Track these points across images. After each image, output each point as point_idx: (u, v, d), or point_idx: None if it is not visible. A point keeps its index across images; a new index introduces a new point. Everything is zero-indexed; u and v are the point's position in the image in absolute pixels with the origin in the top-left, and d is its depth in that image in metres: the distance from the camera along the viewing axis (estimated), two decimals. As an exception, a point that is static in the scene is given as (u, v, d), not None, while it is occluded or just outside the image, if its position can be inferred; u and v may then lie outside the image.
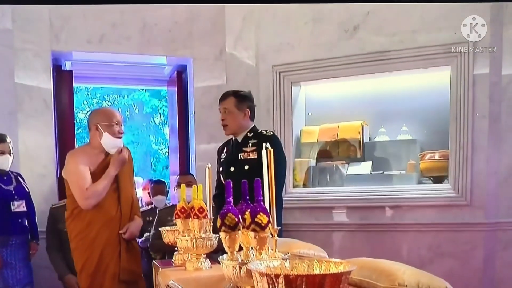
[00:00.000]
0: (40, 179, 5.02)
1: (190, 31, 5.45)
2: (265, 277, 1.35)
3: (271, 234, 1.90)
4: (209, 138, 5.37)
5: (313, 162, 5.49)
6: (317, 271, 1.47)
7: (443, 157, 4.86)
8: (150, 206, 5.37)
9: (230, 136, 4.26)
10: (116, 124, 3.77)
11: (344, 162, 5.34)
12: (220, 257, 2.05)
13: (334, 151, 5.47)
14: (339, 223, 5.10)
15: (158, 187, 5.43)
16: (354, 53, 4.95)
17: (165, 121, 16.26)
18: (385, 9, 4.85)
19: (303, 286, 1.29)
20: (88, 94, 17.03)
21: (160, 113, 17.28)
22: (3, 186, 4.37)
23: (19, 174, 4.58)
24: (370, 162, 5.24)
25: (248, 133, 4.15)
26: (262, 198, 1.90)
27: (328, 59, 5.05)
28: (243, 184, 2.04)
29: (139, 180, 7.36)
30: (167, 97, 7.68)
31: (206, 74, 5.51)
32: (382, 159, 5.24)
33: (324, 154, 5.50)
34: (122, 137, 3.84)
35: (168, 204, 5.03)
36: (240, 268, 1.91)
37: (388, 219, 4.92)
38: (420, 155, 5.05)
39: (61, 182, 4.43)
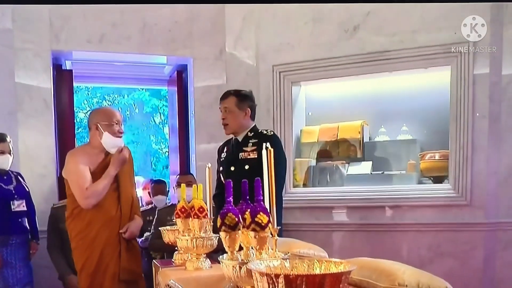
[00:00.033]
0: (40, 179, 5.02)
1: (190, 31, 5.45)
2: (265, 276, 1.35)
3: (271, 234, 1.90)
4: (209, 137, 5.37)
5: (313, 162, 5.49)
6: (317, 271, 1.47)
7: (443, 157, 4.87)
8: (150, 206, 5.37)
9: (231, 136, 4.26)
10: (116, 123, 3.77)
11: (344, 162, 5.34)
12: (220, 256, 2.05)
13: (334, 151, 5.47)
14: (339, 223, 5.10)
15: (158, 187, 5.43)
16: (354, 53, 4.95)
17: (165, 121, 16.26)
18: (385, 9, 4.85)
19: (303, 286, 1.29)
20: (88, 94, 17.03)
21: (160, 113, 17.28)
22: (3, 185, 4.37)
23: (19, 174, 4.58)
24: (370, 162, 5.24)
25: (249, 133, 4.15)
26: (262, 198, 1.90)
27: (328, 59, 5.05)
28: (243, 183, 2.04)
29: (139, 179, 7.35)
30: (167, 97, 7.69)
31: (206, 74, 5.51)
32: (382, 159, 5.24)
33: (324, 154, 5.50)
34: (122, 136, 3.84)
35: (167, 204, 5.02)
36: (240, 267, 1.91)
37: (388, 219, 4.92)
38: (420, 155, 5.05)
39: (61, 182, 4.43)
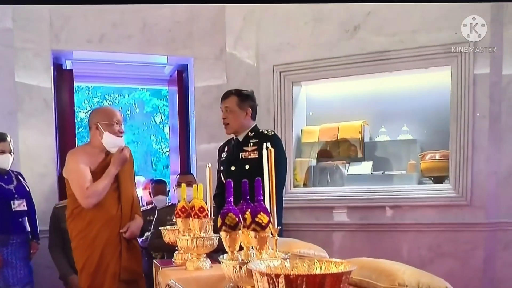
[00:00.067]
0: (40, 179, 5.02)
1: (190, 30, 5.46)
2: (266, 276, 1.35)
3: (272, 234, 1.90)
4: (209, 137, 5.38)
5: (313, 162, 5.50)
6: (317, 271, 1.47)
7: (443, 157, 4.87)
8: (150, 206, 5.37)
9: (231, 136, 4.26)
10: (117, 123, 3.77)
11: (345, 162, 5.34)
12: (221, 256, 2.05)
13: (334, 151, 5.47)
14: (339, 223, 5.10)
15: (159, 187, 5.43)
16: (354, 53, 4.95)
17: (166, 121, 16.28)
18: (386, 9, 4.85)
19: (304, 286, 1.29)
20: (88, 93, 17.04)
21: (160, 113, 17.29)
22: (3, 185, 4.37)
23: (19, 174, 4.58)
24: (371, 162, 5.24)
25: (249, 133, 4.15)
26: (262, 198, 1.90)
27: (328, 59, 5.05)
28: (243, 183, 2.04)
29: (140, 179, 7.36)
30: (167, 97, 7.68)
31: (206, 73, 5.52)
32: (382, 159, 5.24)
33: (325, 154, 5.50)
34: (122, 136, 3.84)
35: (168, 204, 5.02)
36: (240, 267, 1.91)
37: (389, 219, 4.92)
38: (420, 155, 5.05)
39: (61, 182, 4.44)
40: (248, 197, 2.04)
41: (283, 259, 1.66)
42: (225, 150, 4.31)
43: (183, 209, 2.83)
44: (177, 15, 5.42)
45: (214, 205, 3.00)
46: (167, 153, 15.55)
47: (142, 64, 6.10)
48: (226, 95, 4.20)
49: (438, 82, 4.93)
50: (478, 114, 4.58)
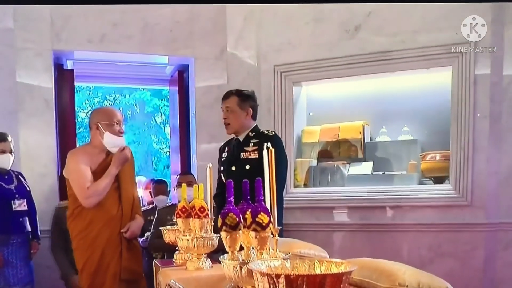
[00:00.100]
0: (41, 178, 5.02)
1: (191, 30, 5.46)
2: (266, 277, 1.35)
3: (272, 234, 1.90)
4: (210, 137, 5.38)
5: (314, 162, 5.49)
6: (318, 271, 1.48)
7: (444, 157, 4.86)
8: (151, 206, 5.37)
9: (232, 136, 4.26)
10: (117, 123, 3.78)
11: (345, 162, 5.34)
12: (221, 256, 2.05)
13: (335, 151, 5.47)
14: (340, 223, 5.10)
15: (159, 187, 5.43)
16: (355, 53, 4.95)
17: (166, 121, 16.27)
18: (386, 9, 4.85)
19: (304, 286, 1.29)
20: (89, 93, 17.03)
21: (161, 113, 17.28)
22: (4, 185, 4.37)
23: (20, 173, 4.58)
24: (371, 162, 5.24)
25: (250, 133, 4.15)
26: (263, 198, 1.90)
27: (329, 59, 5.05)
28: (244, 183, 2.04)
29: (141, 179, 7.35)
30: (168, 97, 7.68)
31: (207, 73, 5.52)
32: (383, 159, 5.24)
33: (325, 154, 5.50)
34: (123, 136, 3.85)
35: (168, 204, 5.03)
36: (241, 267, 1.91)
37: (389, 219, 4.92)
38: (421, 155, 5.05)
39: (62, 182, 4.44)
40: (248, 197, 2.04)
41: (283, 259, 1.66)
42: (225, 150, 4.31)
43: (183, 209, 2.83)
44: (177, 15, 5.43)
45: (214, 205, 3.00)
46: (168, 153, 15.54)
47: (142, 64, 6.10)
48: (227, 95, 4.21)
49: (439, 83, 4.93)
50: (478, 115, 4.58)
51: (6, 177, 4.42)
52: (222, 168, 4.28)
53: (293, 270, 1.50)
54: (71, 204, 3.77)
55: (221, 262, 2.01)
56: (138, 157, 15.81)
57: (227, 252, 2.07)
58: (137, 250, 3.94)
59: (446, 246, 4.73)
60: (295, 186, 5.34)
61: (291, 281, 1.31)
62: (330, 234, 5.08)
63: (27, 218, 4.45)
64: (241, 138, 4.17)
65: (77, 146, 5.35)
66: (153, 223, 4.54)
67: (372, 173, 5.18)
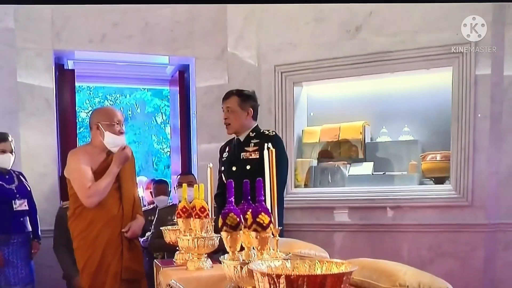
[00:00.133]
0: (41, 178, 5.03)
1: (191, 30, 5.46)
2: (267, 277, 1.36)
3: (273, 234, 1.90)
4: (210, 137, 5.38)
5: (314, 162, 5.49)
6: (318, 272, 1.48)
7: (444, 157, 4.86)
8: (152, 206, 5.37)
9: (232, 136, 4.26)
10: (117, 123, 3.78)
11: (346, 162, 5.34)
12: (222, 256, 2.05)
13: (335, 152, 5.47)
14: (340, 224, 5.10)
15: (160, 187, 5.42)
16: (356, 54, 4.95)
17: (167, 121, 16.27)
18: (387, 9, 4.85)
19: (305, 287, 1.30)
20: (90, 93, 17.03)
21: (162, 113, 17.28)
22: (5, 185, 4.37)
23: (20, 173, 4.58)
24: (372, 163, 5.24)
25: (251, 133, 4.15)
26: (263, 198, 1.90)
27: (329, 59, 5.05)
28: (244, 184, 2.04)
29: (142, 179, 7.35)
30: (169, 97, 7.69)
31: (207, 73, 5.52)
32: (383, 160, 5.24)
33: (326, 154, 5.50)
34: (123, 135, 3.85)
35: (169, 204, 5.03)
36: (241, 268, 1.91)
37: (389, 220, 4.92)
38: (421, 155, 5.05)
39: (62, 181, 4.44)
40: (249, 197, 2.05)
41: (284, 259, 1.66)
42: (226, 150, 4.31)
43: (184, 209, 2.83)
44: (178, 15, 5.43)
45: (215, 205, 3.00)
46: (168, 153, 15.54)
47: (143, 64, 6.11)
48: (228, 95, 4.21)
49: (439, 83, 4.93)
50: (479, 115, 4.58)
51: (7, 177, 4.42)
52: (222, 168, 4.28)
53: (293, 271, 1.50)
54: (72, 204, 3.77)
55: (222, 262, 2.01)
56: (139, 157, 15.81)
57: (227, 252, 2.07)
58: (138, 250, 3.94)
59: (446, 247, 4.73)
60: (296, 186, 5.34)
61: (291, 281, 1.31)
62: (331, 234, 5.08)
63: (27, 218, 4.46)
64: (241, 138, 4.17)
65: (77, 146, 5.35)
66: (153, 223, 4.54)
67: (372, 174, 5.18)
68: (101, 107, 12.01)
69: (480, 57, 4.54)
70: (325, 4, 5.08)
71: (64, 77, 5.49)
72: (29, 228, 4.47)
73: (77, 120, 6.21)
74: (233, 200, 2.07)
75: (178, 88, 5.95)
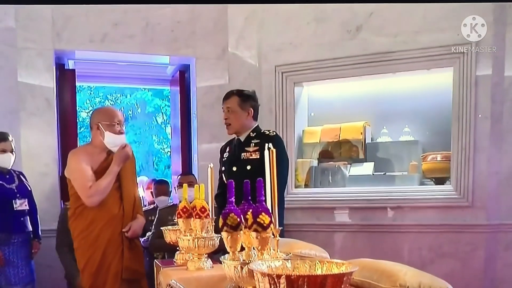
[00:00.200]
0: (42, 178, 5.03)
1: (192, 30, 5.46)
2: (267, 277, 1.36)
3: (273, 234, 1.90)
4: (211, 137, 5.38)
5: (315, 163, 5.50)
6: (318, 272, 1.48)
7: (445, 158, 4.86)
8: (152, 206, 5.37)
9: (233, 136, 4.26)
10: (117, 123, 3.78)
11: (346, 162, 5.34)
12: (222, 257, 2.05)
13: (336, 152, 5.47)
14: (340, 224, 5.10)
15: (161, 187, 5.42)
16: (356, 54, 4.95)
17: (168, 121, 16.28)
18: (388, 9, 4.85)
19: (305, 287, 1.30)
20: (90, 93, 17.04)
21: (162, 113, 17.29)
22: (5, 184, 4.37)
23: (21, 173, 4.58)
24: (372, 163, 5.24)
25: (251, 133, 4.14)
26: (264, 198, 1.90)
27: (330, 59, 5.05)
28: (245, 184, 2.04)
29: (143, 179, 7.35)
30: (169, 97, 7.69)
31: (208, 73, 5.52)
32: (384, 160, 5.24)
33: (326, 154, 5.50)
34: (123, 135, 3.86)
35: (169, 204, 5.02)
36: (241, 268, 1.91)
37: (390, 220, 4.92)
38: (422, 156, 5.05)
39: (63, 181, 4.44)
40: (249, 198, 2.05)
41: (284, 259, 1.66)
42: (227, 150, 4.30)
43: (184, 209, 2.83)
44: (179, 15, 5.43)
45: (215, 205, 3.00)
46: (169, 153, 15.55)
47: (144, 64, 6.11)
48: (228, 96, 4.20)
49: (440, 83, 4.93)
50: (479, 115, 4.58)
51: (7, 176, 4.42)
52: (223, 168, 4.27)
53: (294, 271, 1.50)
54: (72, 204, 3.77)
55: (222, 262, 2.01)
56: (139, 157, 15.82)
57: (228, 252, 2.07)
58: (139, 249, 3.93)
59: (446, 247, 4.73)
60: (296, 187, 5.34)
61: (292, 281, 1.31)
62: (331, 235, 5.08)
63: (28, 218, 4.46)
64: (242, 138, 4.17)
65: (78, 146, 5.35)
66: (154, 223, 4.54)
67: (373, 174, 5.19)
68: (101, 107, 12.01)
69: (481, 58, 4.54)
70: (326, 4, 5.08)
71: (65, 77, 5.49)
72: (30, 227, 4.47)
73: (77, 120, 6.22)
74: (234, 200, 2.07)
75: (178, 88, 5.95)
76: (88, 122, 4.08)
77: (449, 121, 4.75)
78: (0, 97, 4.89)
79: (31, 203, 4.50)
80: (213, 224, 2.71)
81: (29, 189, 4.54)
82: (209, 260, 2.77)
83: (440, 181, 4.95)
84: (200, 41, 5.47)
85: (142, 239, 4.44)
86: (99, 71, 6.45)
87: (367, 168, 5.25)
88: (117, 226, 3.74)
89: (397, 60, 4.83)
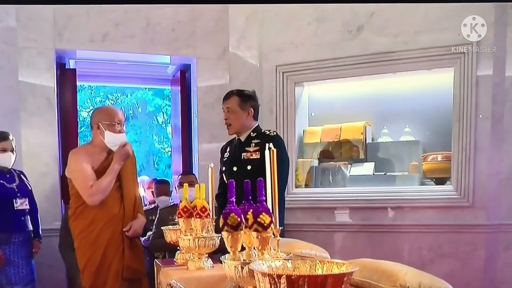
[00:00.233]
0: (42, 177, 5.03)
1: (193, 30, 5.46)
2: (267, 277, 1.36)
3: (274, 234, 1.90)
4: (211, 137, 5.38)
5: (315, 163, 5.50)
6: (319, 272, 1.48)
7: (445, 158, 4.86)
8: (153, 205, 5.37)
9: (234, 136, 4.25)
10: (118, 123, 3.78)
11: (347, 162, 5.34)
12: (223, 256, 2.05)
13: (336, 152, 5.47)
14: (341, 224, 5.10)
15: (162, 187, 5.43)
16: (357, 54, 4.95)
17: (168, 120, 16.26)
18: (389, 9, 4.85)
19: (305, 287, 1.30)
20: (91, 93, 17.03)
21: (163, 112, 17.28)
22: (6, 184, 4.37)
23: (21, 172, 4.58)
24: (373, 163, 5.24)
25: (252, 133, 4.14)
26: (264, 198, 1.90)
27: (331, 59, 5.05)
28: (245, 184, 2.04)
29: (144, 178, 7.36)
30: (170, 96, 7.68)
31: (209, 73, 5.52)
32: (384, 160, 5.24)
33: (327, 154, 5.50)
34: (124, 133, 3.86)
35: (170, 204, 5.02)
36: (242, 268, 1.91)
37: (390, 220, 4.92)
38: (422, 156, 5.05)
39: (63, 181, 4.44)
40: (250, 198, 2.05)
41: (285, 259, 1.66)
42: (227, 150, 4.30)
43: (185, 209, 2.83)
44: (179, 14, 5.43)
45: (216, 205, 3.00)
46: (169, 152, 15.54)
47: (144, 63, 6.11)
48: (228, 96, 4.19)
49: (441, 83, 4.93)
50: (480, 116, 4.58)
51: (8, 176, 4.42)
52: (223, 168, 4.27)
53: (294, 271, 1.50)
54: (73, 203, 3.77)
55: (223, 262, 2.00)
56: (140, 156, 15.81)
57: (228, 252, 2.07)
58: (139, 249, 3.93)
59: (447, 247, 4.73)
60: (297, 187, 5.34)
61: (292, 281, 1.31)
62: (331, 235, 5.08)
63: (28, 217, 4.45)
64: (242, 138, 4.16)
65: (79, 145, 5.35)
66: (155, 223, 4.54)
67: (373, 174, 5.19)
68: (102, 107, 11.94)
69: (481, 58, 4.54)
70: (327, 4, 5.08)
71: (66, 76, 5.49)
72: (30, 227, 4.47)
73: (78, 119, 6.21)
74: (234, 200, 2.07)
75: (179, 88, 5.96)
76: (89, 122, 4.08)
77: (450, 121, 4.75)
78: (1, 97, 4.89)
79: (32, 202, 4.50)
80: (214, 224, 2.71)
81: (30, 188, 4.54)
82: (210, 260, 2.77)
83: (440, 181, 4.95)
84: (200, 41, 5.47)
85: (142, 239, 4.44)
86: (99, 70, 6.45)
87: (367, 168, 5.25)
88: (117, 226, 3.74)
89: (398, 60, 4.83)
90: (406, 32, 4.79)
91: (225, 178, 4.19)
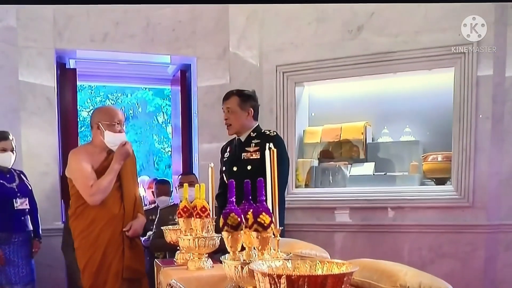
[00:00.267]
0: (42, 177, 5.03)
1: (193, 30, 5.46)
2: (267, 277, 1.35)
3: (274, 234, 1.90)
4: (212, 137, 5.38)
5: (315, 163, 5.50)
6: (319, 272, 1.48)
7: (446, 158, 4.86)
8: (153, 205, 5.37)
9: (234, 136, 4.25)
10: (118, 123, 3.78)
11: (347, 162, 5.34)
12: (223, 256, 2.04)
13: (337, 152, 5.47)
14: (341, 224, 5.10)
15: (162, 187, 5.43)
16: (357, 54, 4.95)
17: (168, 120, 16.27)
18: (389, 9, 4.85)
19: (305, 287, 1.29)
20: (91, 92, 17.03)
21: (163, 112, 17.28)
22: (6, 183, 4.37)
23: (22, 172, 4.58)
24: (373, 163, 5.24)
25: (252, 133, 4.14)
26: (265, 198, 1.90)
27: (331, 59, 5.05)
28: (245, 184, 2.04)
29: (144, 178, 7.36)
30: (170, 96, 7.68)
31: (209, 73, 5.52)
32: (385, 160, 5.24)
33: (327, 154, 5.50)
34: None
35: (170, 204, 5.02)
36: (242, 268, 1.90)
37: (390, 220, 4.92)
38: (422, 156, 5.05)
39: (63, 181, 4.44)
40: (250, 198, 2.04)
41: (285, 259, 1.66)
42: (227, 150, 4.30)
43: (185, 209, 2.83)
44: (180, 14, 5.43)
45: (216, 205, 3.00)
46: (170, 152, 15.54)
47: (145, 63, 6.11)
48: (228, 96, 4.19)
49: (441, 83, 4.93)
50: (480, 116, 4.58)
51: (8, 175, 4.42)
52: (224, 168, 4.27)
53: (294, 271, 1.50)
54: (73, 203, 3.77)
55: (223, 262, 2.00)
56: (140, 156, 15.82)
57: (228, 252, 2.07)
58: (139, 249, 3.93)
59: (447, 247, 4.73)
60: (297, 187, 5.34)
61: (292, 281, 1.31)
62: (331, 235, 5.08)
63: (28, 217, 4.45)
64: (242, 138, 4.16)
65: (79, 145, 5.35)
66: (155, 223, 4.54)
67: (373, 174, 5.19)
68: (102, 106, 11.95)
69: (482, 58, 4.54)
70: (327, 4, 5.08)
71: (66, 76, 5.49)
72: (30, 227, 4.47)
73: (78, 119, 6.21)
74: (234, 200, 2.07)
75: (179, 88, 5.96)
76: (89, 122, 4.07)
77: (450, 121, 4.75)
78: (1, 96, 4.89)
79: (32, 202, 4.50)
80: (214, 223, 2.71)
81: (30, 188, 4.54)
82: (210, 259, 2.77)
83: (440, 181, 4.95)
84: (201, 40, 5.47)
85: (143, 239, 4.44)
86: (100, 70, 6.46)
87: (367, 168, 5.25)
88: (117, 226, 3.74)
89: (398, 60, 4.83)
90: (406, 32, 4.79)
91: (225, 178, 4.19)
